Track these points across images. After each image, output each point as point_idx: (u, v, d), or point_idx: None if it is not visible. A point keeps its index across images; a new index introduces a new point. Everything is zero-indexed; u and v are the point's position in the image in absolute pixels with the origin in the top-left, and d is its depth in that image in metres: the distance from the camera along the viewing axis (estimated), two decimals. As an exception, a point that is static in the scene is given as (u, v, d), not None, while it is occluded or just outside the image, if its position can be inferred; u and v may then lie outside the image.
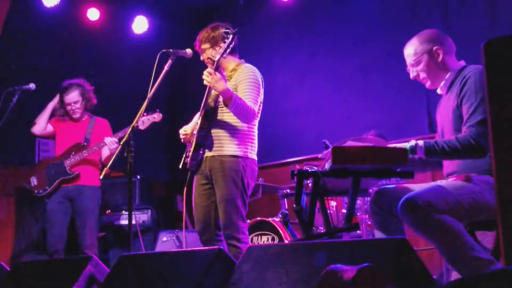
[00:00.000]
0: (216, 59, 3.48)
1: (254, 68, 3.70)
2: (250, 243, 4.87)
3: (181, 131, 3.77)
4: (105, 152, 4.89)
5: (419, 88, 2.99)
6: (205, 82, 3.43)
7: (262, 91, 3.69)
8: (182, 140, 3.78)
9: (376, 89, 5.93)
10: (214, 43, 3.67)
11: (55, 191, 4.77)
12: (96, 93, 5.08)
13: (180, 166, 3.73)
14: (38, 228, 5.84)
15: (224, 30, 3.66)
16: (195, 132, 3.61)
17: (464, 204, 2.49)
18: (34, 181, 4.84)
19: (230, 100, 3.40)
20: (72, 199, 4.78)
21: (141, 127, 4.37)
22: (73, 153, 4.79)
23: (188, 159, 3.61)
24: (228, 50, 3.46)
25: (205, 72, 3.41)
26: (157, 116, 4.62)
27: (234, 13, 7.07)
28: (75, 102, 4.87)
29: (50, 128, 4.98)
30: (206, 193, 3.64)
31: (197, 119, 3.85)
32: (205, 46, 3.70)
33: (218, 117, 3.61)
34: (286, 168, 6.18)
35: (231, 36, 3.43)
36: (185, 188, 3.74)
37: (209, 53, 3.68)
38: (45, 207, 4.84)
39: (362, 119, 5.71)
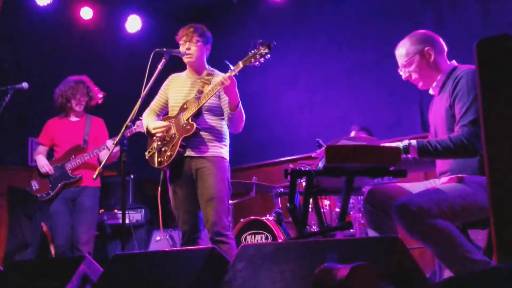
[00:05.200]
0: (240, 67, 3.48)
1: None
2: (244, 242, 4.89)
3: (159, 127, 3.71)
4: (104, 152, 4.82)
5: (412, 87, 3.00)
6: (222, 85, 3.42)
7: None
8: (159, 137, 3.72)
9: (369, 89, 5.95)
10: (206, 42, 3.81)
11: (58, 194, 4.74)
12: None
13: (156, 166, 3.73)
14: (31, 228, 5.82)
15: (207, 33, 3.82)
16: (176, 132, 3.64)
17: (457, 206, 2.50)
18: (35, 185, 4.80)
19: (237, 107, 3.50)
20: (74, 199, 4.77)
21: (140, 129, 4.39)
22: (73, 156, 4.79)
23: (170, 158, 3.62)
24: (262, 60, 3.54)
25: (225, 76, 3.44)
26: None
27: (227, 13, 7.07)
28: (82, 97, 4.86)
29: (48, 141, 4.94)
30: (189, 196, 3.68)
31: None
32: (199, 39, 3.75)
33: (204, 119, 3.67)
34: (280, 167, 6.19)
35: (264, 48, 3.58)
36: (159, 188, 3.76)
37: (201, 46, 3.75)
38: (48, 209, 4.77)
39: (356, 119, 5.72)
